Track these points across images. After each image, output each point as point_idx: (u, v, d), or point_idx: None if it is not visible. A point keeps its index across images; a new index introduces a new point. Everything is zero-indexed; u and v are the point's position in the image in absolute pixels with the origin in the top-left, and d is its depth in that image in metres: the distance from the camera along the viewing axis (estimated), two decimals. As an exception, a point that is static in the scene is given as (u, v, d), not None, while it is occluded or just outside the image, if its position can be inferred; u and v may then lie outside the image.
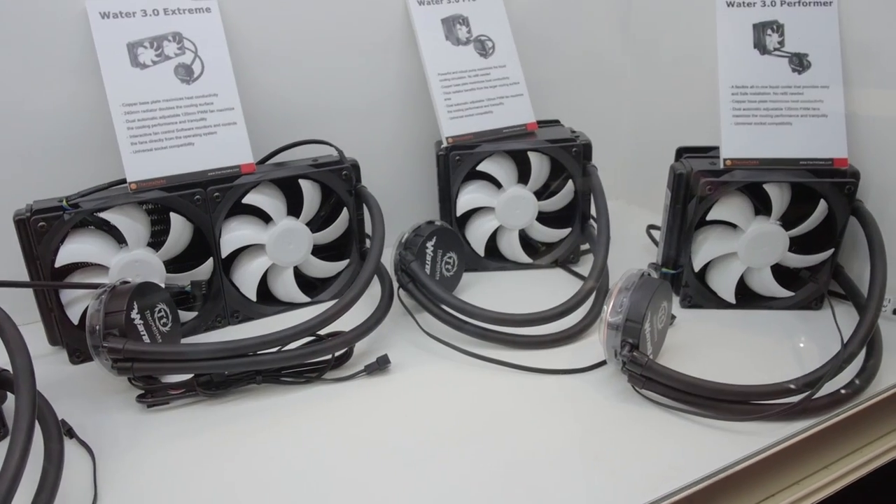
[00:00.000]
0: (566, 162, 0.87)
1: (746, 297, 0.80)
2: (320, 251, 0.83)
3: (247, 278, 0.79)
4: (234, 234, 0.77)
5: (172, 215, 0.73)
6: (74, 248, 0.69)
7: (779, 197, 0.74)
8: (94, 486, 0.55)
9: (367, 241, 0.87)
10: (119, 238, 0.72)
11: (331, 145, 0.83)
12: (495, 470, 0.56)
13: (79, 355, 0.72)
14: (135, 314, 0.64)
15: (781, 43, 0.78)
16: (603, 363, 0.68)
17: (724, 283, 0.79)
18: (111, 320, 0.62)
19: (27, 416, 0.49)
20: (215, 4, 0.78)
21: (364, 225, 0.86)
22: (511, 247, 0.91)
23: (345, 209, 0.83)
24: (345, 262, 0.86)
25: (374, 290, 0.77)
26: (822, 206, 0.74)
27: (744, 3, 0.78)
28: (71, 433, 0.61)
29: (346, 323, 0.69)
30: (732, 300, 0.79)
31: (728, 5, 0.79)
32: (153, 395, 0.65)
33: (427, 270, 0.80)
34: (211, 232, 0.75)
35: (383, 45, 0.90)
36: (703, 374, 0.62)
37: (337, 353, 0.69)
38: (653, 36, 1.04)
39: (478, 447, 0.59)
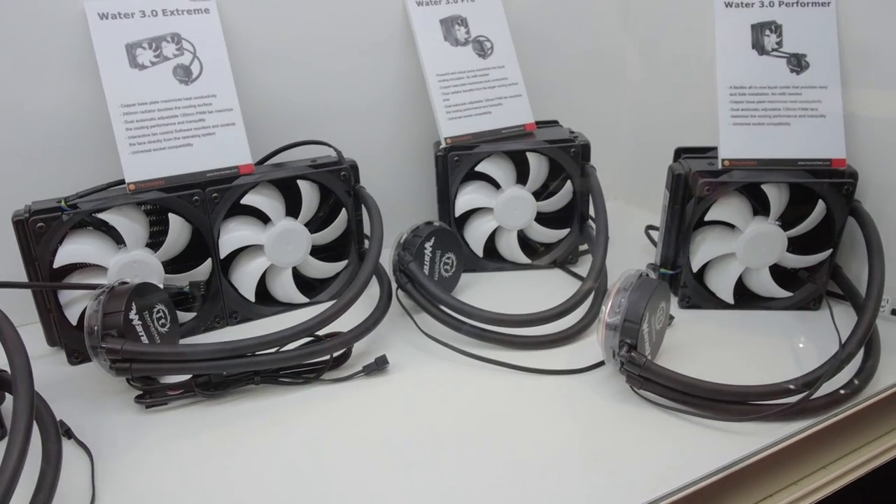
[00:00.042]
0: (565, 162, 0.87)
1: (745, 297, 0.80)
2: (319, 252, 0.83)
3: (245, 279, 0.79)
4: (233, 234, 0.77)
5: (171, 216, 0.73)
6: (73, 249, 0.69)
7: (777, 197, 0.74)
8: (92, 486, 0.55)
9: (366, 242, 0.87)
10: (118, 239, 0.72)
11: (329, 146, 0.83)
12: (494, 470, 0.56)
13: (77, 356, 0.72)
14: (133, 315, 0.64)
15: (780, 43, 0.78)
16: (601, 364, 0.68)
17: (722, 284, 0.79)
18: (109, 321, 0.62)
19: (25, 417, 0.49)
20: (214, 5, 0.78)
21: (363, 225, 0.87)
22: (510, 247, 0.91)
23: (343, 210, 0.83)
24: (343, 263, 0.86)
25: (373, 291, 0.77)
26: (821, 206, 0.74)
27: (742, 3, 0.78)
28: (69, 434, 0.61)
29: (344, 323, 0.69)
30: (731, 300, 0.79)
31: (726, 6, 0.79)
32: (151, 395, 0.65)
33: (425, 271, 0.80)
34: (209, 232, 0.75)
35: (382, 45, 0.90)
36: (702, 374, 0.62)
37: (335, 354, 0.69)
38: (651, 36, 1.04)
39: (476, 448, 0.59)
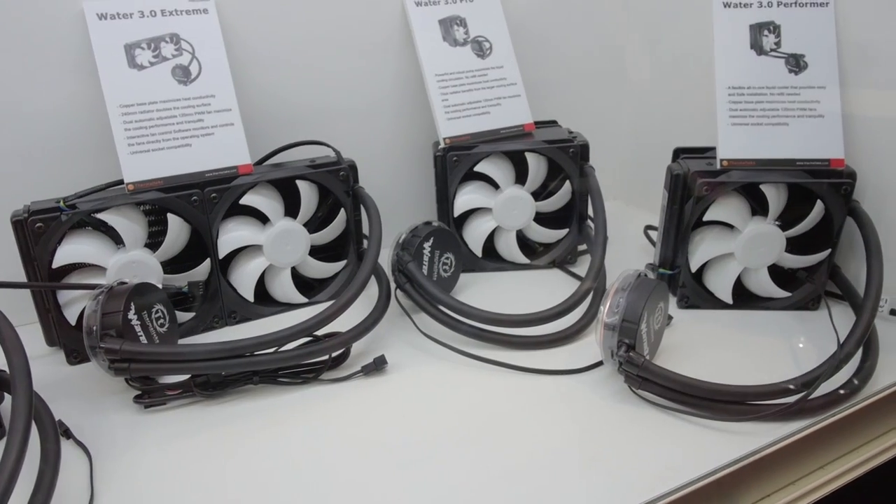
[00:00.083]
0: (563, 163, 0.88)
1: (743, 297, 0.80)
2: (318, 252, 0.83)
3: (244, 279, 0.79)
4: (232, 234, 0.77)
5: (170, 216, 0.73)
6: (72, 249, 0.69)
7: (775, 197, 0.74)
8: (90, 486, 0.55)
9: (365, 242, 0.87)
10: (116, 239, 0.72)
11: (328, 146, 0.83)
12: (492, 470, 0.56)
13: (76, 356, 0.72)
14: (132, 315, 0.64)
15: (778, 44, 0.78)
16: (600, 364, 0.68)
17: (721, 284, 0.79)
18: (108, 321, 0.62)
19: (23, 417, 0.49)
20: (213, 6, 0.78)
21: (361, 226, 0.87)
22: (508, 247, 0.91)
23: (342, 210, 0.83)
24: (342, 263, 0.86)
25: (372, 291, 0.77)
26: (819, 206, 0.74)
27: (740, 3, 0.79)
28: (68, 434, 0.61)
29: (343, 323, 0.69)
30: (729, 301, 0.79)
31: (725, 6, 0.79)
32: (150, 395, 0.65)
33: (424, 271, 0.80)
34: (208, 233, 0.76)
35: (381, 45, 0.90)
36: (700, 374, 0.62)
37: (334, 354, 0.69)
38: (650, 36, 1.04)
39: (475, 448, 0.59)
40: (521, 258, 0.92)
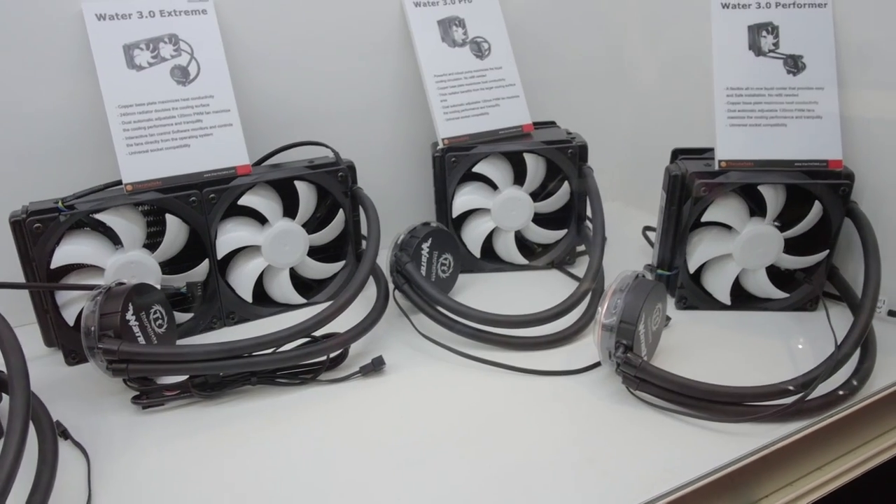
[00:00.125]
0: (562, 163, 0.88)
1: (742, 298, 0.80)
2: (316, 252, 0.83)
3: (243, 280, 0.79)
4: (230, 235, 0.77)
5: (168, 217, 0.73)
6: (70, 250, 0.69)
7: (773, 198, 0.74)
8: (88, 487, 0.55)
9: (364, 243, 0.87)
10: (115, 239, 0.72)
11: (327, 147, 0.83)
12: (490, 471, 0.56)
13: (74, 356, 0.73)
14: (130, 315, 0.64)
15: (776, 44, 0.78)
16: (597, 365, 0.68)
17: (719, 285, 0.79)
18: (106, 322, 0.62)
19: (21, 417, 0.49)
20: (211, 6, 0.78)
21: (360, 226, 0.87)
22: (507, 248, 0.91)
23: (341, 211, 0.83)
24: (341, 264, 0.86)
25: (370, 292, 0.77)
26: (817, 207, 0.74)
27: (739, 4, 0.79)
28: (65, 434, 0.61)
29: (341, 324, 0.69)
30: (728, 301, 0.79)
31: (723, 7, 0.79)
32: (148, 396, 0.65)
33: (423, 272, 0.80)
34: (207, 233, 0.76)
35: (379, 46, 0.90)
36: (698, 375, 0.62)
37: (332, 355, 0.69)
38: (649, 37, 1.04)
39: (473, 448, 0.59)
40: (520, 259, 0.92)
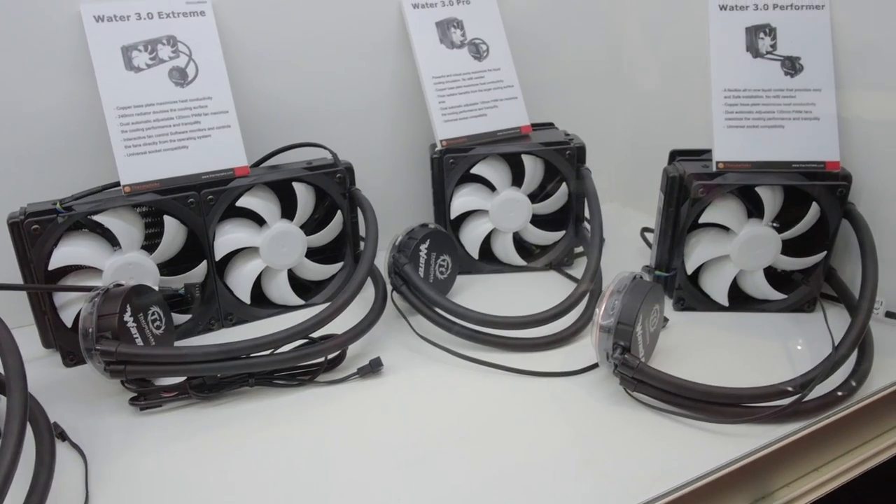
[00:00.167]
0: (560, 165, 0.88)
1: (739, 299, 0.80)
2: (314, 254, 0.83)
3: (241, 281, 0.79)
4: (228, 236, 0.77)
5: (166, 218, 0.73)
6: (68, 251, 0.69)
7: (771, 200, 0.74)
8: (85, 488, 0.55)
9: (362, 244, 0.87)
10: (113, 241, 0.72)
11: (325, 148, 0.83)
12: (488, 472, 0.56)
13: (72, 358, 0.73)
14: (128, 317, 0.64)
15: (774, 46, 0.78)
16: (595, 366, 0.68)
17: (716, 286, 0.79)
18: (104, 323, 0.62)
19: (18, 418, 0.49)
20: (209, 8, 0.78)
21: (358, 228, 0.87)
22: (505, 249, 0.91)
23: (339, 212, 0.83)
24: (339, 265, 0.86)
25: (368, 293, 0.77)
26: (815, 208, 0.74)
27: (736, 6, 0.79)
28: (63, 436, 0.61)
29: (339, 326, 0.69)
30: (725, 303, 0.79)
31: (721, 9, 0.79)
32: (146, 397, 0.65)
33: (420, 273, 0.80)
34: (205, 235, 0.76)
35: (378, 48, 0.91)
36: (696, 376, 0.62)
37: (330, 356, 0.69)
38: (647, 39, 1.04)
39: (470, 449, 0.59)
40: (518, 260, 0.92)
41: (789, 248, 0.76)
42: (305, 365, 0.69)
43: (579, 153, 0.88)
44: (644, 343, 0.66)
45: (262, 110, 0.85)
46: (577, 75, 1.06)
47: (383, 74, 0.92)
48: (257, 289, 0.81)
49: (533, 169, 0.88)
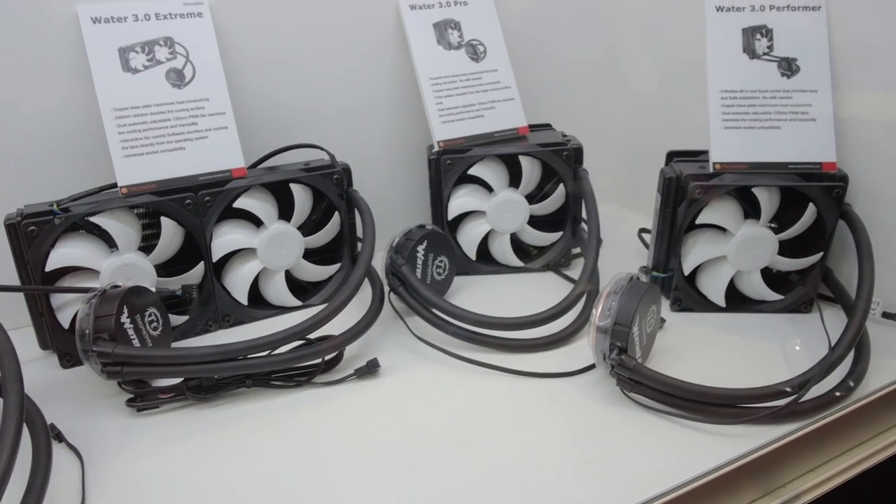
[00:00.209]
0: (557, 166, 0.88)
1: (736, 300, 0.80)
2: (312, 255, 0.83)
3: (238, 282, 0.79)
4: (225, 238, 0.77)
5: (163, 219, 0.73)
6: (65, 253, 0.69)
7: (768, 200, 0.74)
8: (82, 490, 0.55)
9: (359, 245, 0.87)
10: (110, 242, 0.72)
11: (322, 149, 0.83)
12: (485, 473, 0.56)
13: (69, 359, 0.72)
14: (125, 318, 0.64)
15: (770, 47, 0.78)
16: (592, 367, 0.68)
17: (714, 287, 0.79)
18: (101, 324, 0.62)
19: (14, 419, 0.49)
20: (207, 9, 0.78)
21: (356, 229, 0.87)
22: (502, 250, 0.91)
23: (336, 213, 0.83)
24: (336, 266, 0.86)
25: (365, 294, 0.77)
26: (811, 209, 0.74)
27: (733, 7, 0.79)
28: (60, 437, 0.61)
29: (336, 327, 0.69)
30: (722, 304, 0.79)
31: (717, 10, 0.79)
32: (143, 399, 0.65)
33: (418, 274, 0.80)
34: (202, 236, 0.76)
35: (375, 49, 0.91)
36: (693, 377, 0.62)
37: (327, 357, 0.69)
38: (645, 40, 1.04)
39: (468, 450, 0.59)
40: (515, 261, 0.92)
41: (786, 248, 0.76)
42: (302, 366, 0.69)
43: (576, 154, 0.88)
44: (641, 344, 0.66)
45: (259, 111, 0.85)
46: (574, 76, 1.06)
47: (381, 75, 0.92)
48: (255, 290, 0.81)
49: (530, 170, 0.88)
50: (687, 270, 0.79)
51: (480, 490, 0.54)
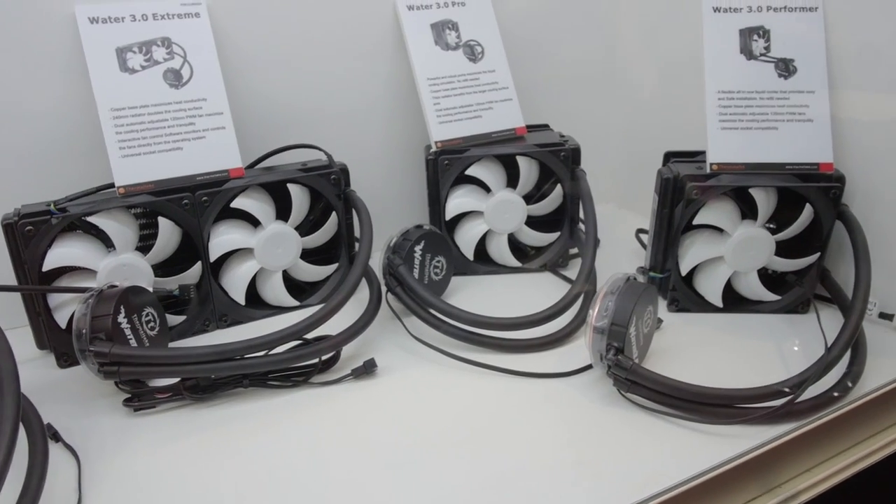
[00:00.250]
0: (554, 166, 0.88)
1: (733, 300, 0.80)
2: (309, 255, 0.83)
3: (235, 282, 0.79)
4: (223, 238, 0.77)
5: (161, 219, 0.73)
6: (62, 252, 0.69)
7: (765, 201, 0.75)
8: (78, 490, 0.55)
9: (357, 246, 0.87)
10: (107, 242, 0.72)
11: (320, 149, 0.83)
12: (482, 473, 0.56)
13: (66, 359, 0.72)
14: (122, 318, 0.64)
15: (767, 48, 0.78)
16: (589, 367, 0.68)
17: (711, 287, 0.79)
18: (98, 324, 0.62)
19: (11, 419, 0.49)
20: (204, 10, 0.78)
21: (353, 229, 0.87)
22: (500, 251, 0.91)
23: (334, 213, 0.83)
24: (333, 266, 0.86)
25: (363, 294, 0.77)
26: (808, 210, 0.74)
27: (730, 8, 0.79)
28: (56, 437, 0.61)
29: (333, 327, 0.69)
30: (720, 304, 0.79)
31: (715, 11, 0.79)
32: (140, 398, 0.65)
33: (415, 274, 0.80)
34: (199, 236, 0.76)
35: (373, 49, 0.91)
36: (690, 377, 0.62)
37: (324, 357, 0.69)
38: (642, 41, 1.04)
39: (464, 450, 0.59)
40: (513, 261, 0.92)
41: (783, 249, 0.76)
42: (300, 366, 0.69)
43: (574, 155, 0.88)
44: (638, 344, 0.66)
45: (256, 112, 0.85)
46: (572, 77, 1.07)
47: (378, 76, 0.92)
48: (252, 290, 0.81)
49: (528, 170, 0.88)
50: (684, 271, 0.79)
51: (477, 490, 0.54)
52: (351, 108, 0.92)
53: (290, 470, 0.57)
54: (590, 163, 0.89)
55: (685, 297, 0.80)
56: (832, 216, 0.74)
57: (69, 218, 0.69)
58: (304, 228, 0.82)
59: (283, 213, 0.79)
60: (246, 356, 0.65)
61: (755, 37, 0.78)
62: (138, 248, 0.74)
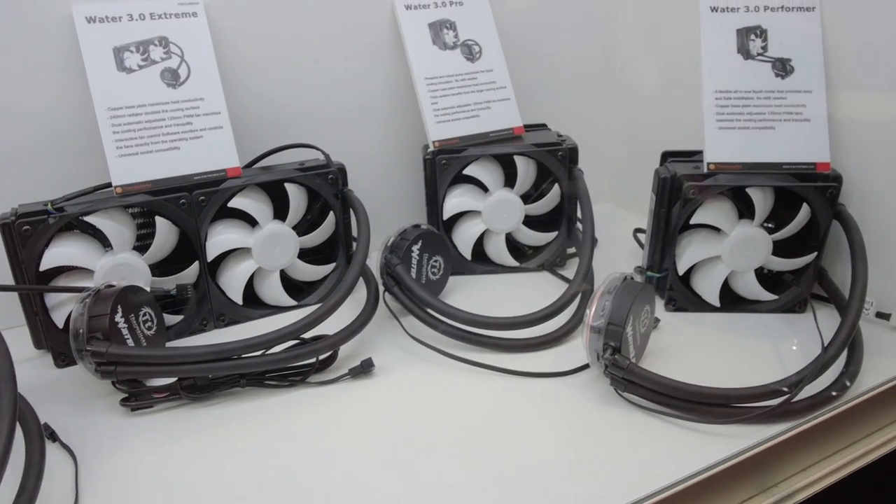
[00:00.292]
0: (552, 166, 0.88)
1: (731, 300, 0.80)
2: (307, 255, 0.83)
3: (233, 282, 0.79)
4: (220, 237, 0.77)
5: (158, 219, 0.73)
6: (59, 252, 0.69)
7: (762, 201, 0.75)
8: (75, 490, 0.55)
9: (354, 245, 0.87)
10: (104, 242, 0.72)
11: (317, 149, 0.83)
12: (479, 472, 0.56)
13: (63, 359, 0.72)
14: (119, 318, 0.64)
15: (765, 48, 0.78)
16: (586, 367, 0.68)
17: (708, 287, 0.79)
18: (95, 324, 0.62)
19: (7, 419, 0.49)
20: (202, 9, 0.78)
21: (351, 229, 0.87)
22: (498, 250, 0.91)
23: (331, 213, 0.83)
24: (331, 266, 0.86)
25: (360, 294, 0.77)
26: (805, 209, 0.74)
27: (728, 8, 0.79)
28: (53, 436, 0.61)
29: (330, 326, 0.69)
30: (717, 303, 0.79)
31: (712, 10, 0.79)
32: (137, 398, 0.65)
33: (413, 274, 0.80)
34: (197, 236, 0.76)
35: (370, 49, 0.91)
36: (687, 376, 0.62)
37: (321, 357, 0.69)
38: (640, 41, 1.04)
39: (462, 450, 0.59)
40: (511, 261, 0.92)
41: (780, 248, 0.76)
42: (297, 365, 0.69)
43: (571, 154, 0.88)
44: (635, 343, 0.66)
45: (254, 111, 0.85)
46: (570, 76, 1.07)
47: (376, 75, 0.92)
48: (249, 289, 0.81)
49: (525, 170, 0.88)
50: (681, 270, 0.79)
51: (475, 490, 0.54)
52: (348, 108, 0.92)
53: (287, 469, 0.57)
54: (587, 162, 0.89)
55: (682, 296, 0.81)
56: (829, 216, 0.75)
57: (66, 217, 0.69)
58: (302, 228, 0.82)
59: (280, 212, 0.79)
60: (243, 356, 0.65)
61: (752, 36, 0.78)
62: (136, 248, 0.74)
